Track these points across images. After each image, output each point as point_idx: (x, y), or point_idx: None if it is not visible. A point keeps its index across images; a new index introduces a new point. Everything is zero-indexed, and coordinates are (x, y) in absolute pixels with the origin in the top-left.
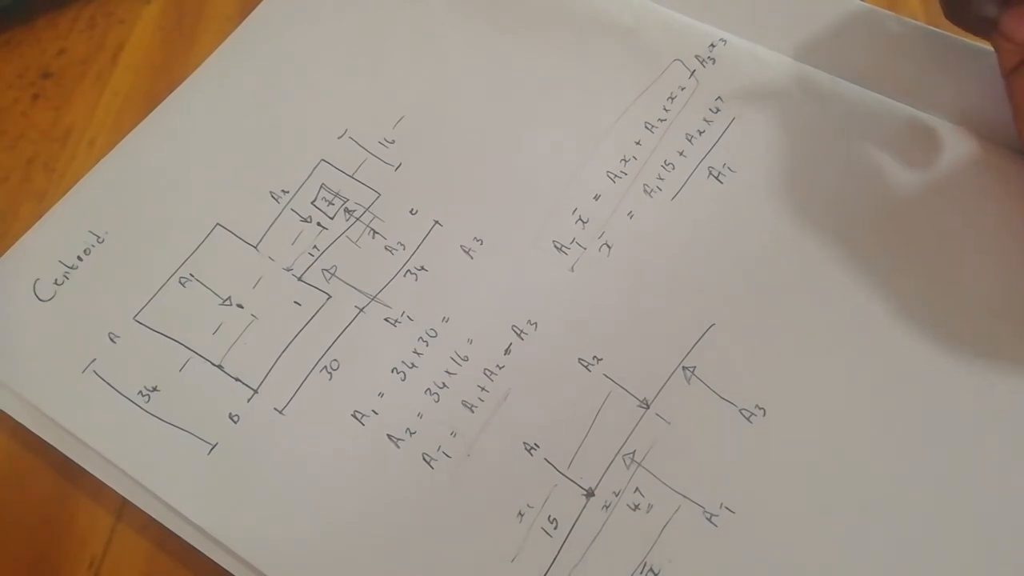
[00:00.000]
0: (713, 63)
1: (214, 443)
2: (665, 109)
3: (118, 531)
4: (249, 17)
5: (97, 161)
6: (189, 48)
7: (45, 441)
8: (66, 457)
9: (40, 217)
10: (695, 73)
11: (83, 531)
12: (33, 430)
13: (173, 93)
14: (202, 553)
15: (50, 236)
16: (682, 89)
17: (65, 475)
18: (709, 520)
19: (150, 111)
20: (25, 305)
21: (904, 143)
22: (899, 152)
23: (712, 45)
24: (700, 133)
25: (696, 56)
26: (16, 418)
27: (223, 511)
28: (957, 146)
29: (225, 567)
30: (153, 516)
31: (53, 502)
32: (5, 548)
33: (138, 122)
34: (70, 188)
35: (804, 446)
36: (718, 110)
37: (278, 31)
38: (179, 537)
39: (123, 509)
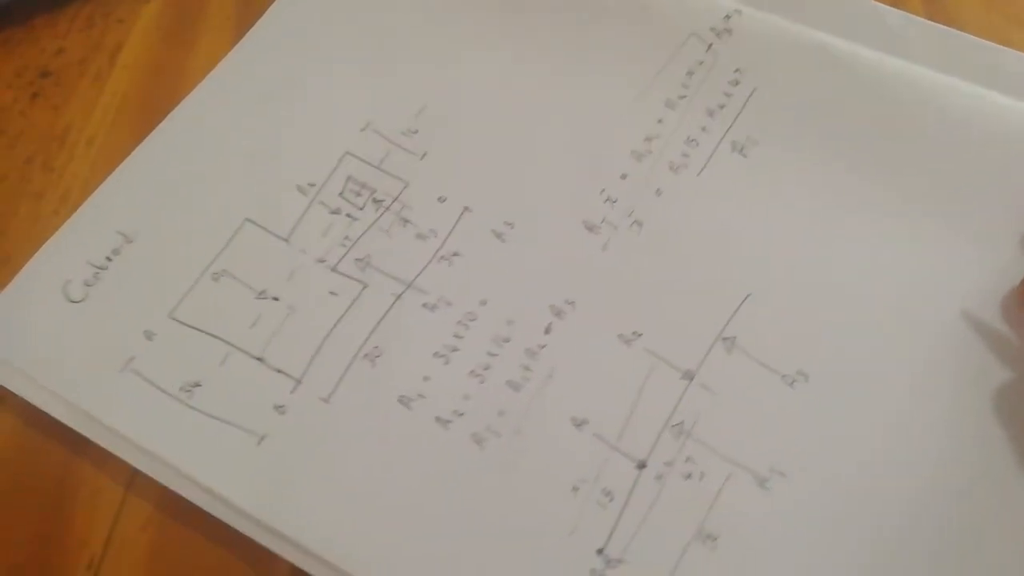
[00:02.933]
0: (729, 35)
1: (263, 435)
2: (684, 85)
3: (166, 524)
4: (267, 13)
5: (96, 161)
6: (189, 48)
7: (90, 440)
8: (109, 453)
9: (39, 217)
10: (712, 47)
11: (129, 528)
12: (75, 428)
13: (193, 91)
14: (257, 543)
15: (76, 239)
16: (700, 64)
17: (107, 472)
18: (761, 485)
19: (149, 111)
20: (57, 308)
21: (930, 108)
22: (922, 115)
23: (727, 16)
24: (721, 107)
25: (712, 29)
26: (60, 419)
27: (278, 501)
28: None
29: (285, 556)
30: (204, 508)
31: (94, 496)
32: (52, 547)
33: (137, 122)
34: (69, 187)
35: (847, 408)
36: (737, 83)
37: (296, 27)
38: (230, 527)
39: (171, 502)
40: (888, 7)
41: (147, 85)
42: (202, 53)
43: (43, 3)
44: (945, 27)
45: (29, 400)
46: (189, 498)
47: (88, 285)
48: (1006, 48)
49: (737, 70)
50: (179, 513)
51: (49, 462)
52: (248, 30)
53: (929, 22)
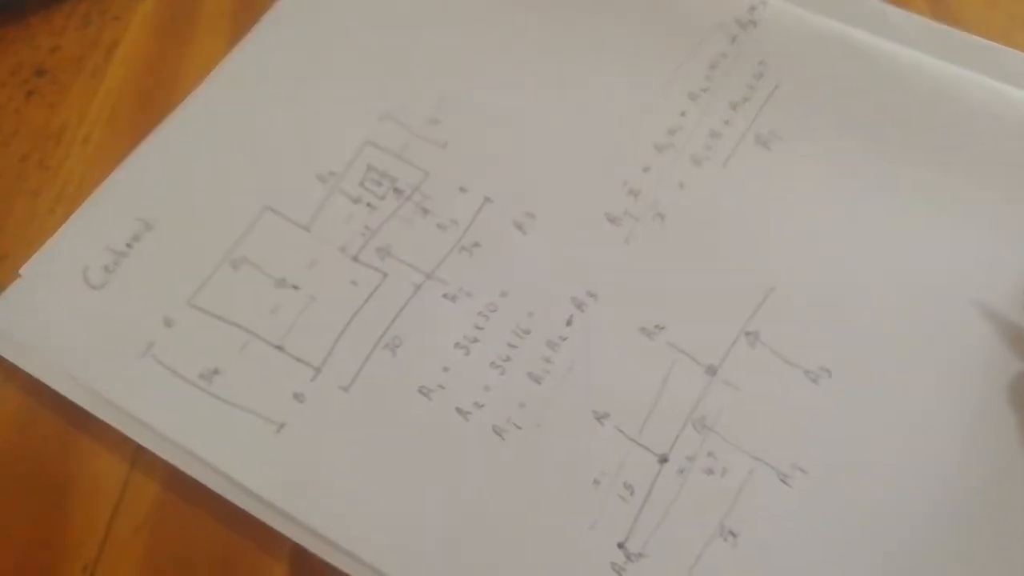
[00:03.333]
0: (754, 27)
1: (282, 422)
2: (708, 78)
3: (180, 509)
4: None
5: (92, 158)
6: (184, 45)
7: (108, 425)
8: (126, 438)
9: (35, 215)
10: (736, 39)
11: (147, 512)
12: (94, 413)
13: (211, 75)
14: (262, 528)
15: (95, 224)
16: (724, 56)
17: (126, 458)
18: (783, 481)
19: (145, 108)
20: (76, 293)
21: (951, 101)
22: (946, 109)
23: (752, 8)
24: (744, 100)
25: (736, 20)
26: (79, 403)
27: (297, 488)
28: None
29: (306, 546)
30: (222, 495)
31: (111, 478)
32: (70, 535)
33: (133, 120)
34: (65, 185)
35: (871, 404)
36: (761, 75)
37: (316, 13)
38: (239, 511)
39: (180, 484)
40: (891, 6)
41: (143, 82)
42: (198, 50)
43: (39, 1)
44: (947, 27)
45: (46, 383)
46: (207, 484)
47: (108, 271)
48: (1008, 48)
49: (761, 62)
50: (189, 496)
51: (64, 445)
52: (246, 27)
53: (931, 21)
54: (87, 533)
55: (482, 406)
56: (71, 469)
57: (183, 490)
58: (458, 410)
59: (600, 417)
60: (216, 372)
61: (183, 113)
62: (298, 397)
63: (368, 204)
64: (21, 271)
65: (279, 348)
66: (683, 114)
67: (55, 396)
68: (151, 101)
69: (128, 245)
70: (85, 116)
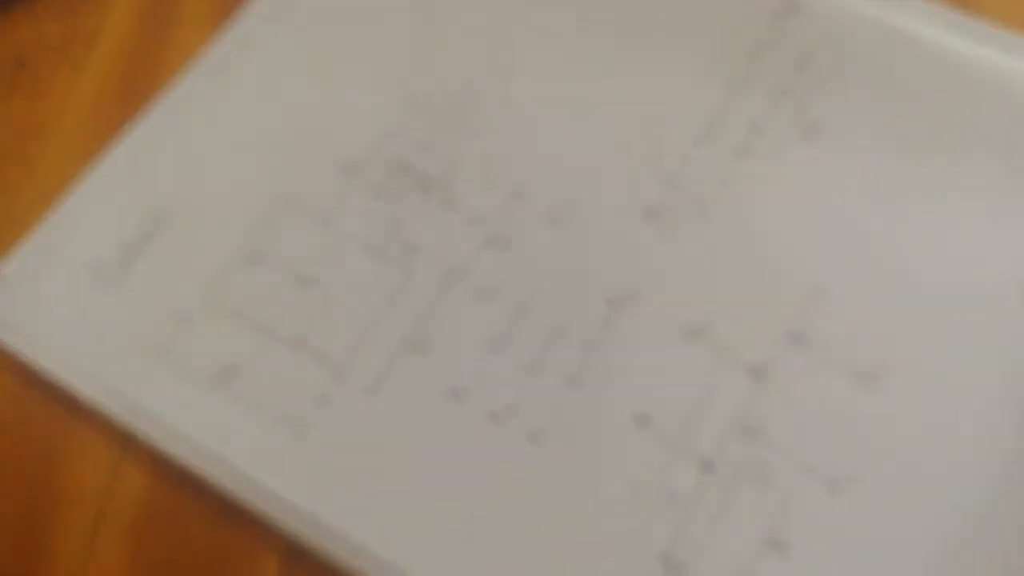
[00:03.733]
0: (797, 16)
1: (303, 424)
2: (749, 68)
3: (169, 509)
4: None
5: (72, 154)
6: (168, 37)
7: (131, 425)
8: (112, 438)
9: (14, 212)
10: (779, 28)
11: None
12: (107, 414)
13: (203, 59)
14: (266, 528)
15: (102, 216)
16: (765, 45)
17: (112, 457)
18: (830, 489)
19: (128, 101)
20: (86, 289)
21: (1002, 94)
22: (995, 102)
23: None
24: (786, 91)
25: (778, 8)
26: (93, 403)
27: (319, 491)
28: None
29: (332, 550)
30: (237, 493)
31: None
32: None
33: (116, 113)
34: (44, 182)
35: (925, 410)
36: (804, 65)
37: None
38: (240, 513)
39: (176, 487)
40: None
41: (126, 74)
42: (182, 41)
43: None
44: (965, 16)
45: (57, 377)
46: (222, 484)
47: (118, 267)
48: None
49: (804, 52)
50: (178, 495)
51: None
52: (229, 15)
53: (948, 11)
54: (69, 539)
55: (515, 411)
56: (56, 467)
57: (172, 488)
58: (489, 413)
59: (640, 422)
60: (234, 371)
61: (180, 99)
62: (320, 398)
63: (392, 197)
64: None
65: (299, 347)
66: (722, 105)
67: (48, 388)
68: (133, 93)
69: (141, 240)
70: (66, 108)
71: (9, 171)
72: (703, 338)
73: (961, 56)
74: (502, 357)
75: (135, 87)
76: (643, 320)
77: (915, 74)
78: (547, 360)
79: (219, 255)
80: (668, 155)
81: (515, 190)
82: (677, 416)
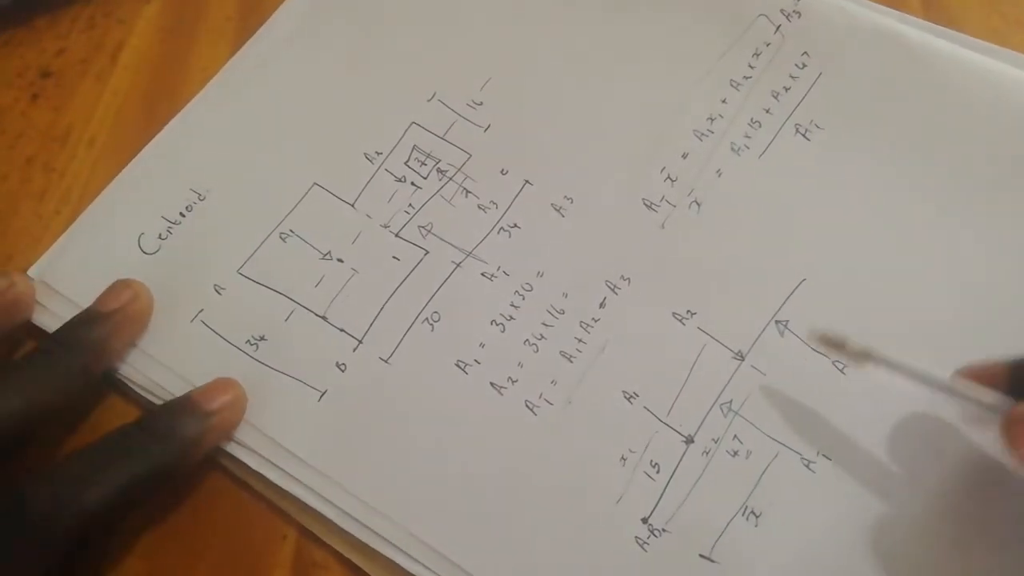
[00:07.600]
0: (799, 17)
1: (324, 390)
2: (750, 66)
3: (228, 472)
4: None
5: (97, 161)
6: (189, 48)
7: (159, 385)
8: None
9: (40, 216)
10: (780, 28)
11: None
12: (145, 373)
13: (250, 42)
14: (280, 507)
15: (149, 192)
16: (767, 45)
17: None
18: (807, 467)
19: (150, 111)
20: (132, 258)
21: (994, 97)
22: (990, 106)
23: None
24: (786, 90)
25: (781, 10)
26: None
27: (337, 454)
28: None
29: (346, 508)
30: (265, 456)
31: None
32: None
33: (138, 122)
34: (70, 187)
35: (898, 398)
36: (804, 65)
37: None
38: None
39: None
40: (887, 7)
41: (148, 85)
42: (203, 54)
43: (44, 4)
44: (944, 28)
45: None
46: (251, 446)
47: (162, 238)
48: (1005, 49)
49: (804, 53)
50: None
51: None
52: (251, 30)
53: (926, 23)
54: None
55: (515, 381)
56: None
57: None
58: (492, 384)
59: (629, 397)
60: (263, 339)
61: (224, 90)
62: (340, 366)
63: (412, 183)
64: (31, 271)
65: (323, 318)
66: (724, 102)
67: None
68: (156, 103)
69: (182, 214)
70: (91, 118)
71: (34, 178)
72: (692, 321)
73: (961, 61)
74: (506, 333)
75: (158, 100)
76: (637, 303)
77: (912, 78)
78: (546, 336)
79: (255, 231)
80: (670, 149)
81: (525, 179)
82: (664, 393)
